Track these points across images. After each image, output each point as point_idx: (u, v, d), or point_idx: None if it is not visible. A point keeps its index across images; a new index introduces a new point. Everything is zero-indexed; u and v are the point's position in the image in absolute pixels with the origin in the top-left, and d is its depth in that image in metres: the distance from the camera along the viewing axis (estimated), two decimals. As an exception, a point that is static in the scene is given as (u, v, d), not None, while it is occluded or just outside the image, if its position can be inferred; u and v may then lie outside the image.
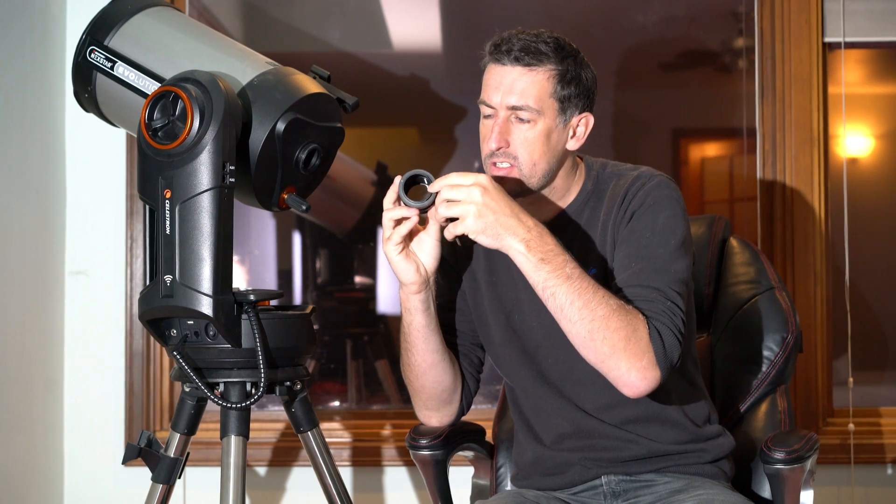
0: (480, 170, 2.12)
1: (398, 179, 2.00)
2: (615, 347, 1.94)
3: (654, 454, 2.15)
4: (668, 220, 2.07)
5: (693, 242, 2.20)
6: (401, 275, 2.07)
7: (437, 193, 1.98)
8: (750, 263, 2.50)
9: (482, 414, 2.73)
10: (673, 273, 2.04)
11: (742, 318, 2.45)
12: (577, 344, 1.97)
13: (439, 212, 1.97)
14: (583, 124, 2.13)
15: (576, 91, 2.10)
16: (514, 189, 2.08)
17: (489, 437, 2.49)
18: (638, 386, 1.96)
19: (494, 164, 2.09)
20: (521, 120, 2.08)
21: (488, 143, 2.08)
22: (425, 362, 2.18)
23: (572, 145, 2.13)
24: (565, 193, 2.17)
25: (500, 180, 2.06)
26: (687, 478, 2.15)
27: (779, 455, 2.12)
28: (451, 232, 1.97)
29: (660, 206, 2.08)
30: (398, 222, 2.02)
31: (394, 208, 2.01)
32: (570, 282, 1.94)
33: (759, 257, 2.51)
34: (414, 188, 2.02)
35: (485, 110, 2.11)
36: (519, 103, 2.07)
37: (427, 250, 2.07)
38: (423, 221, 2.06)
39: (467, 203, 1.94)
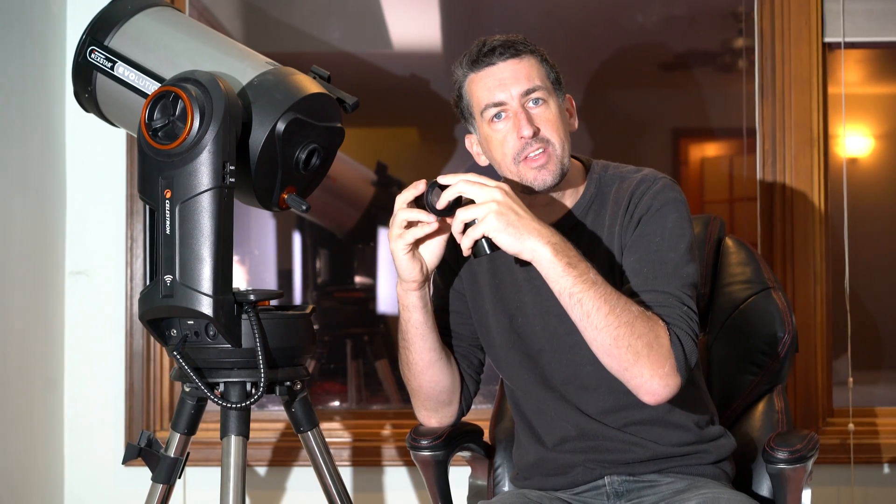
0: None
1: (422, 185, 1.99)
2: (639, 354, 1.93)
3: (658, 456, 2.15)
4: (677, 224, 2.08)
5: (697, 243, 2.20)
6: (404, 273, 2.08)
7: (458, 201, 1.97)
8: (746, 263, 2.50)
9: (481, 414, 2.73)
10: (684, 277, 2.04)
11: (738, 318, 2.45)
12: (601, 352, 1.96)
13: (458, 214, 1.95)
14: (571, 105, 2.18)
15: (556, 73, 2.14)
16: (557, 175, 2.08)
17: (487, 437, 2.49)
18: (660, 393, 1.96)
19: (527, 157, 2.07)
20: (537, 103, 2.08)
21: (521, 133, 2.06)
22: (423, 360, 2.18)
23: (574, 125, 2.17)
24: (572, 194, 2.17)
25: (541, 169, 2.06)
26: (690, 478, 2.15)
27: (782, 455, 2.13)
28: (470, 237, 1.95)
29: (667, 209, 2.09)
30: (410, 223, 2.02)
31: (411, 210, 2.00)
32: (596, 287, 1.93)
33: (755, 257, 2.51)
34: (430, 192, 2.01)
35: (490, 113, 2.10)
36: (531, 85, 2.08)
37: (432, 249, 2.07)
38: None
39: (488, 201, 1.93)
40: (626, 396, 2.04)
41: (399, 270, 2.08)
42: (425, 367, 2.19)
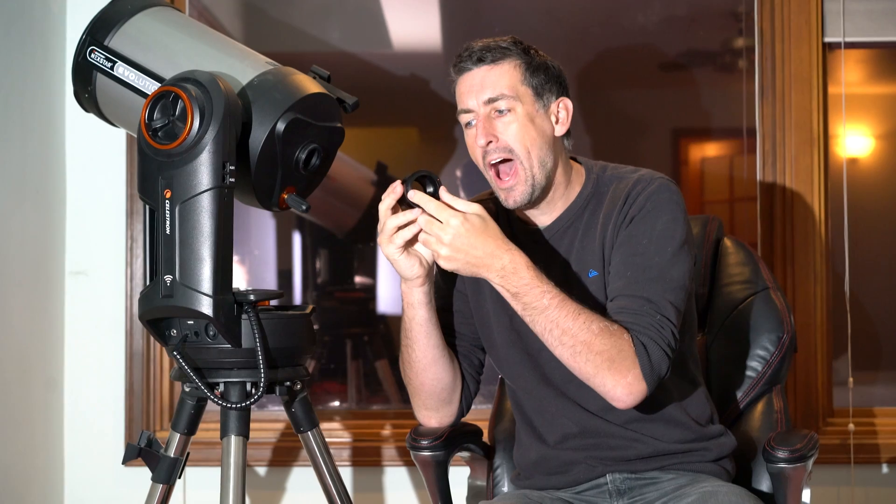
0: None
1: (398, 185, 2.02)
2: (598, 367, 1.98)
3: (659, 453, 2.15)
4: (667, 226, 2.08)
5: (694, 242, 2.20)
6: (405, 272, 2.09)
7: (439, 191, 2.01)
8: (744, 264, 2.50)
9: (481, 414, 2.73)
10: (669, 282, 2.05)
11: (737, 318, 2.45)
12: (563, 362, 2.02)
13: (420, 240, 2.02)
14: (563, 109, 2.17)
15: (546, 78, 2.14)
16: (526, 193, 2.10)
17: (486, 437, 2.49)
18: (624, 400, 2.00)
19: (491, 164, 2.10)
20: (501, 112, 2.10)
21: (477, 143, 2.10)
22: (426, 358, 2.18)
23: (559, 131, 2.16)
24: (565, 195, 2.18)
25: (510, 191, 2.09)
26: (691, 475, 2.16)
27: (782, 454, 2.14)
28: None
29: (659, 211, 2.09)
30: (400, 227, 2.03)
31: (397, 215, 2.02)
32: (547, 312, 1.98)
33: (754, 257, 2.52)
34: (414, 187, 2.03)
35: (464, 118, 2.13)
36: (493, 94, 2.10)
37: None
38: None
39: (437, 245, 1.98)
40: None
41: (399, 271, 2.09)
42: (428, 364, 2.19)
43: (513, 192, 2.10)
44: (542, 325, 1.99)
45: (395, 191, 2.02)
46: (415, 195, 2.00)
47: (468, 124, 2.13)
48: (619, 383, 1.98)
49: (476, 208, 1.99)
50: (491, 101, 2.10)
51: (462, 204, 2.00)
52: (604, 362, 1.97)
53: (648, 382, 1.99)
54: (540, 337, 2.01)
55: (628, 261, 2.07)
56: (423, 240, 2.00)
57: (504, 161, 2.10)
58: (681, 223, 2.10)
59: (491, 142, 2.09)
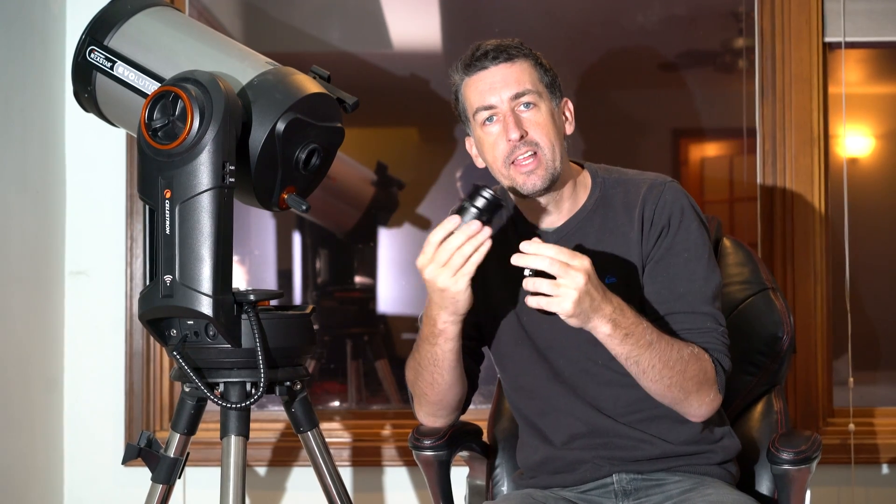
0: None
1: (485, 229, 1.91)
2: (689, 393, 2.04)
3: (667, 454, 2.16)
4: (699, 233, 2.14)
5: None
6: (463, 306, 2.01)
7: (496, 206, 1.93)
8: (743, 264, 2.50)
9: (482, 414, 2.72)
10: (714, 289, 2.12)
11: (737, 318, 2.45)
12: (652, 394, 2.06)
13: (535, 285, 1.90)
14: (568, 109, 2.19)
15: (552, 77, 2.16)
16: (547, 179, 2.08)
17: (485, 437, 2.49)
18: (704, 415, 2.10)
19: (515, 161, 2.08)
20: (527, 107, 2.10)
21: (509, 135, 2.07)
22: (451, 379, 2.16)
23: (568, 129, 2.18)
24: (572, 196, 2.18)
25: (530, 174, 2.07)
26: (697, 477, 2.16)
27: (787, 456, 2.15)
28: (536, 303, 1.92)
29: (688, 220, 2.14)
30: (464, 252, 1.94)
31: (468, 238, 1.92)
32: (652, 348, 1.99)
33: (753, 258, 2.51)
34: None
35: (484, 115, 2.11)
36: (520, 89, 2.10)
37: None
38: None
39: (569, 288, 1.89)
40: (636, 391, 2.08)
41: (457, 307, 2.00)
42: (452, 384, 2.17)
43: (532, 176, 2.07)
44: (647, 362, 2.00)
45: (481, 237, 1.91)
46: (531, 246, 1.89)
47: (487, 120, 2.11)
48: (704, 402, 2.07)
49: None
50: (518, 96, 2.09)
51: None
52: (693, 386, 2.04)
53: (723, 392, 2.09)
54: (637, 374, 2.01)
55: (675, 274, 2.11)
56: (552, 288, 1.89)
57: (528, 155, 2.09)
58: (704, 225, 2.17)
59: (523, 136, 2.08)
